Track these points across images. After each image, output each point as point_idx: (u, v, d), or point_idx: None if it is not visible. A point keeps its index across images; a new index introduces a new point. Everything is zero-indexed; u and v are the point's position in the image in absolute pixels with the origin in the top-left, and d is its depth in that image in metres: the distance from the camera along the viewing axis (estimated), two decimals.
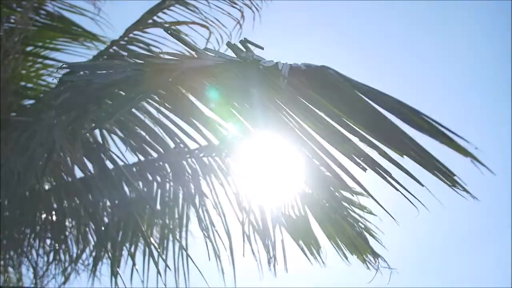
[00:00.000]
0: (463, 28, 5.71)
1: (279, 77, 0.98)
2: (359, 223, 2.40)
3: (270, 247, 2.62)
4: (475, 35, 5.79)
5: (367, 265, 2.36)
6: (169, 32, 3.35)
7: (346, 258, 2.47)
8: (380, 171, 1.03)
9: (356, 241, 2.41)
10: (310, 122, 1.10)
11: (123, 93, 1.68)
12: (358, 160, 1.03)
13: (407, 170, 1.02)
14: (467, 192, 0.94)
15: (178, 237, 3.12)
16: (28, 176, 1.25)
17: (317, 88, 1.00)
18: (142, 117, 2.28)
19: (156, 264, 2.55)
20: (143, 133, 2.04)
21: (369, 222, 2.39)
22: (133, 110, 2.23)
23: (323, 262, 2.63)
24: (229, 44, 1.18)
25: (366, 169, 1.03)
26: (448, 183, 0.93)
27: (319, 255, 2.64)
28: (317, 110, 1.05)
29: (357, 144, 1.01)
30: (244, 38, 1.18)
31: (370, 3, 5.47)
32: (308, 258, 2.68)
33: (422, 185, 1.02)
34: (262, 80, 1.09)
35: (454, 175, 0.91)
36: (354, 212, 2.40)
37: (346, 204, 2.39)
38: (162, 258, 2.73)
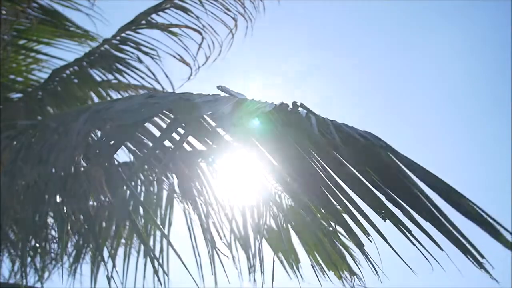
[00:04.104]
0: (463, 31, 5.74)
1: (337, 147, 1.03)
2: (338, 240, 2.46)
3: (251, 256, 2.67)
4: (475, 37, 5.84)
5: (343, 282, 2.44)
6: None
7: (324, 273, 2.54)
8: (401, 227, 1.07)
9: (334, 257, 2.48)
10: (337, 171, 1.13)
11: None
12: (379, 211, 1.06)
13: (430, 234, 1.04)
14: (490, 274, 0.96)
15: (158, 240, 3.15)
16: (48, 192, 1.25)
17: (362, 158, 1.04)
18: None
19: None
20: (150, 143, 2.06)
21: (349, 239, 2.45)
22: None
23: (301, 277, 2.70)
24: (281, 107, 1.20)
25: (386, 219, 1.08)
26: (474, 263, 0.95)
27: (298, 269, 2.71)
28: (351, 167, 1.09)
29: (384, 201, 1.05)
30: (301, 104, 1.18)
31: (367, 3, 5.51)
32: (287, 272, 2.75)
33: (442, 250, 1.05)
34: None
35: (483, 257, 0.94)
36: (335, 230, 2.47)
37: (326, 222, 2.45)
38: (152, 258, 2.75)
